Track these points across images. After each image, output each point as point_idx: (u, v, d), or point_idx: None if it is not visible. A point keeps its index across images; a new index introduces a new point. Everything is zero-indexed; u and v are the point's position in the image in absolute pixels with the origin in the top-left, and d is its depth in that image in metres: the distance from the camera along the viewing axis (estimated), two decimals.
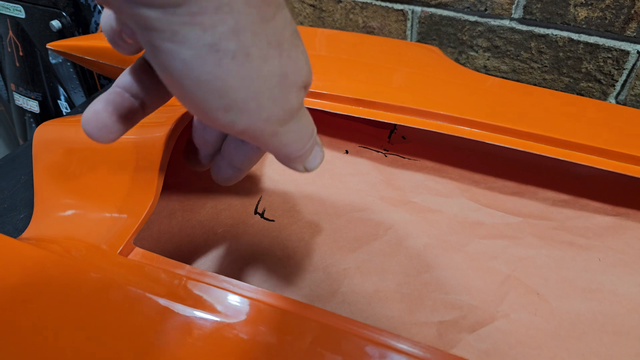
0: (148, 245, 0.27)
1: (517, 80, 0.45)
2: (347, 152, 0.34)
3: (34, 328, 0.19)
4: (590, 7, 0.38)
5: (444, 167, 0.33)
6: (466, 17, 0.43)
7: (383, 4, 0.47)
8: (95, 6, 0.59)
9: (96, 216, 0.25)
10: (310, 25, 0.53)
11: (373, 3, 0.47)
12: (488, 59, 0.45)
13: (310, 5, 0.51)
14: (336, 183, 0.31)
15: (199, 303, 0.19)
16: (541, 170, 0.32)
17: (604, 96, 0.42)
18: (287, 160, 0.18)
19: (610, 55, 0.39)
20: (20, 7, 0.59)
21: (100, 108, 0.17)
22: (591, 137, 0.28)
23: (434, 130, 0.29)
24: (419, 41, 0.48)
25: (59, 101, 0.64)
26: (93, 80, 0.63)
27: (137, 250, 0.22)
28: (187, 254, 0.22)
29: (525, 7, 0.40)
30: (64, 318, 0.19)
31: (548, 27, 0.40)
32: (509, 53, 0.44)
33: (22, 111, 0.67)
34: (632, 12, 0.36)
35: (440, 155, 0.34)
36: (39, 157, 0.30)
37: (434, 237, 0.28)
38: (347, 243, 0.27)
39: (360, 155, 0.34)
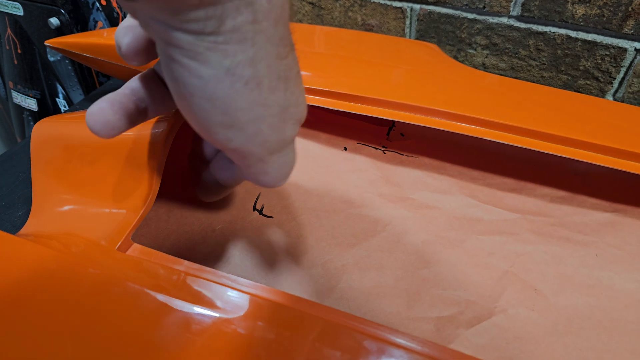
0: (146, 242, 0.27)
1: (516, 78, 0.45)
2: (345, 148, 0.34)
3: (32, 324, 0.19)
4: (587, 5, 0.38)
5: (442, 164, 0.33)
6: (465, 14, 0.43)
7: (382, 1, 0.47)
8: (93, 3, 0.59)
9: (95, 212, 0.25)
10: (309, 23, 0.53)
11: (372, 0, 0.47)
12: (486, 57, 0.45)
13: (309, 3, 0.51)
14: (335, 180, 0.31)
15: (198, 299, 0.19)
16: (539, 167, 0.32)
17: (601, 94, 0.42)
18: (257, 183, 0.19)
19: (607, 53, 0.39)
20: (18, 5, 0.59)
21: (106, 106, 0.18)
22: (589, 134, 0.28)
23: (433, 127, 0.29)
24: (417, 39, 0.48)
25: (57, 99, 0.64)
26: (91, 78, 0.62)
27: (136, 246, 0.22)
28: (185, 251, 0.22)
29: (523, 4, 0.40)
30: (63, 314, 0.19)
31: (546, 25, 0.41)
32: (507, 51, 0.44)
33: (20, 109, 0.67)
34: (630, 9, 0.36)
35: (439, 152, 0.34)
36: (37, 153, 0.30)
37: (432, 234, 0.28)
38: (346, 239, 0.27)
39: (359, 152, 0.34)
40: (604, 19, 0.38)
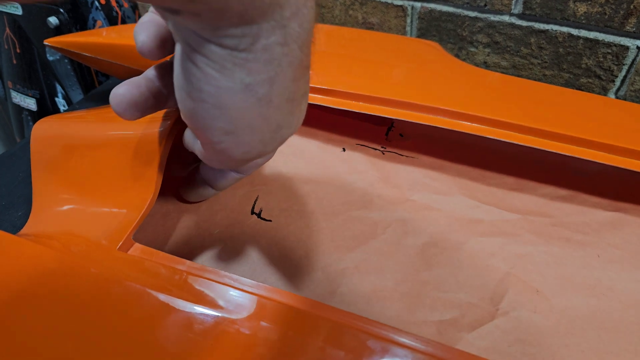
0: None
1: (518, 77, 0.45)
2: (344, 149, 0.34)
3: (34, 324, 0.19)
4: (589, 3, 0.37)
5: (442, 164, 0.33)
6: (466, 12, 0.43)
7: None
8: (92, 2, 0.59)
9: (95, 211, 0.25)
10: None
11: None
12: (488, 55, 0.45)
13: None
14: (333, 181, 0.31)
15: (200, 298, 0.19)
16: (540, 166, 0.32)
17: (603, 92, 0.42)
18: (221, 179, 0.22)
19: (609, 51, 0.39)
20: (17, 4, 0.58)
21: (132, 87, 0.19)
22: (590, 132, 0.28)
23: (433, 125, 0.29)
24: (418, 37, 0.47)
25: (56, 98, 0.64)
26: (91, 77, 0.62)
27: (137, 245, 0.22)
28: (183, 256, 0.22)
29: (524, 2, 0.40)
30: (64, 314, 0.19)
31: (548, 23, 0.40)
32: (508, 49, 0.44)
33: (19, 109, 0.67)
34: (632, 7, 0.36)
35: (439, 151, 0.34)
36: (37, 153, 0.30)
37: (432, 236, 0.28)
38: (345, 242, 0.27)
39: (358, 153, 0.34)
40: (606, 16, 0.38)
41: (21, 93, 0.65)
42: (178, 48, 0.16)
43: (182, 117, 0.18)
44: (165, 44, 0.19)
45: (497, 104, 0.30)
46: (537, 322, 0.23)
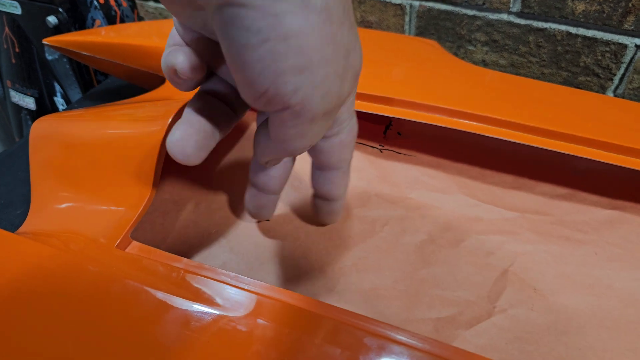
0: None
1: (516, 75, 0.45)
2: None
3: (32, 322, 0.19)
4: (587, 1, 0.37)
5: (440, 162, 0.33)
6: (464, 11, 0.43)
7: None
8: (91, 2, 0.58)
9: (93, 209, 0.25)
10: None
11: None
12: (486, 54, 0.45)
13: None
14: None
15: (198, 296, 0.19)
16: (539, 164, 0.32)
17: (602, 90, 0.42)
18: (283, 148, 0.18)
19: (608, 49, 0.39)
20: (16, 4, 0.58)
21: (185, 127, 0.18)
22: (589, 130, 0.28)
23: (431, 124, 0.29)
24: (417, 35, 0.47)
25: (55, 98, 0.64)
26: (89, 77, 0.62)
27: (135, 243, 0.22)
28: (181, 254, 0.22)
29: (523, 0, 0.40)
30: (62, 312, 0.19)
31: (546, 21, 0.40)
32: (507, 47, 0.44)
33: (18, 108, 0.67)
34: (630, 5, 0.36)
35: (437, 149, 0.34)
36: (35, 151, 0.30)
37: (430, 233, 0.28)
38: (343, 241, 0.27)
39: (356, 151, 0.34)
40: (604, 15, 0.38)
41: (20, 92, 0.65)
42: (215, 9, 0.14)
43: (246, 88, 0.16)
44: (204, 60, 0.18)
45: (495, 102, 0.30)
46: (534, 320, 0.23)
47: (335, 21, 0.15)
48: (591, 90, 0.42)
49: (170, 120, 0.25)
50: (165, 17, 0.63)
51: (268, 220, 0.28)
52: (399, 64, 0.36)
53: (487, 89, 0.33)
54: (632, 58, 0.39)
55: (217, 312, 0.19)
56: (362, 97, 0.31)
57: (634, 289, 0.25)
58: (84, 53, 0.40)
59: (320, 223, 0.28)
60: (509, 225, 0.28)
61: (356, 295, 0.24)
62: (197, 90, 0.20)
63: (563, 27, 0.40)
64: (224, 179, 0.31)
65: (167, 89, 0.36)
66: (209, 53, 0.18)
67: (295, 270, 0.26)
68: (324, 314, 0.19)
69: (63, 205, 0.26)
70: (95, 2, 0.58)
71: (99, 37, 0.40)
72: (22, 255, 0.21)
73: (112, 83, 0.52)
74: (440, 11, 0.44)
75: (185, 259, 0.21)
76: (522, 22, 0.41)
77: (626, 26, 0.37)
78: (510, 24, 0.42)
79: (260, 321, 0.18)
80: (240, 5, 0.13)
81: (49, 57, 0.60)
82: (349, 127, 0.21)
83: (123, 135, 0.28)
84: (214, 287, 0.20)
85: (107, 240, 0.22)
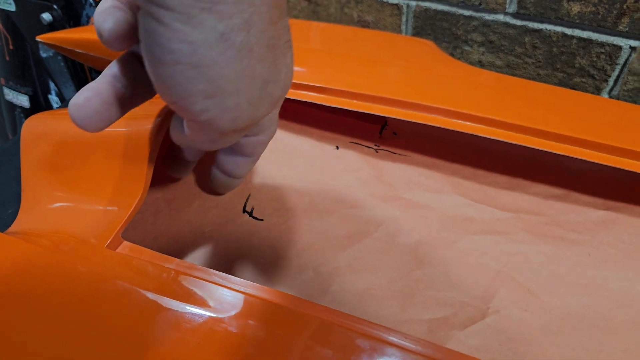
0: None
1: (511, 75, 0.45)
2: (337, 147, 0.34)
3: (21, 322, 0.18)
4: (583, 2, 0.38)
5: (435, 162, 0.33)
6: (461, 11, 0.43)
7: None
8: None
9: (85, 209, 0.25)
10: (305, 20, 0.52)
11: None
12: (483, 54, 0.45)
13: None
14: (327, 179, 0.31)
15: (189, 297, 0.19)
16: (533, 164, 0.32)
17: (597, 91, 0.42)
18: (196, 148, 0.19)
19: (603, 51, 0.39)
20: (10, 0, 0.58)
21: (92, 95, 0.17)
22: (584, 131, 0.28)
23: (426, 124, 0.29)
24: (414, 35, 0.47)
25: (49, 95, 0.64)
26: (84, 74, 0.62)
27: (126, 243, 0.22)
28: (174, 254, 0.21)
29: (519, 1, 0.40)
30: (51, 312, 0.19)
31: (542, 22, 0.40)
32: (503, 48, 0.44)
33: (12, 106, 0.67)
34: (624, 7, 0.36)
35: (432, 150, 0.34)
36: (27, 150, 0.30)
37: (425, 234, 0.28)
38: (338, 241, 0.27)
39: (351, 151, 0.34)
40: (599, 16, 0.38)
41: (14, 90, 0.65)
42: (141, 12, 0.14)
43: (158, 90, 0.16)
44: (135, 31, 0.17)
45: (490, 103, 0.30)
46: (528, 320, 0.23)
47: (255, 57, 0.14)
48: (586, 91, 0.43)
49: (162, 119, 0.25)
50: None
51: (262, 220, 0.28)
52: (395, 64, 0.36)
53: (482, 90, 0.33)
54: (627, 60, 0.39)
55: (208, 314, 0.18)
56: (357, 96, 0.31)
57: (627, 289, 0.25)
58: (78, 50, 0.40)
59: (213, 192, 0.28)
60: (502, 226, 0.28)
61: (351, 296, 0.24)
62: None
63: (559, 29, 0.40)
64: None
65: None
66: None
67: (288, 271, 0.25)
68: (315, 314, 0.19)
69: (54, 205, 0.26)
70: (90, 0, 0.58)
71: (94, 34, 0.40)
72: (11, 256, 0.21)
73: None
74: (436, 11, 0.44)
75: (177, 260, 0.21)
76: (518, 23, 0.41)
77: (621, 28, 0.37)
78: (506, 24, 0.42)
79: (251, 322, 0.18)
80: (158, 22, 0.13)
81: (44, 55, 0.60)
82: (269, 130, 0.22)
83: (115, 133, 0.27)
84: (206, 287, 0.19)
85: (97, 240, 0.22)
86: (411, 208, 0.29)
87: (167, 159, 0.27)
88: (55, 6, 0.56)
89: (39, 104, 0.64)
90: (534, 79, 0.44)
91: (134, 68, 0.18)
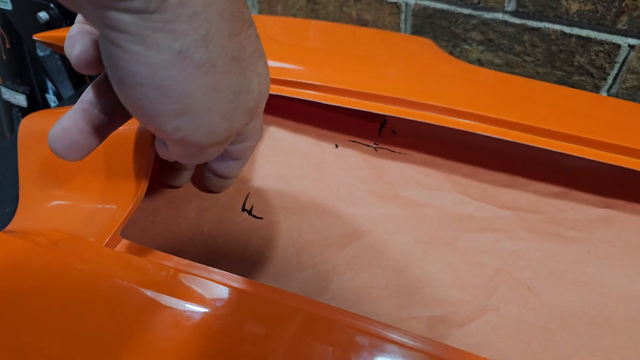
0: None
1: (511, 74, 0.45)
2: (336, 146, 0.34)
3: (19, 321, 0.18)
4: (582, 0, 0.38)
5: (434, 160, 0.33)
6: (459, 9, 0.43)
7: None
8: None
9: (83, 207, 0.25)
10: (304, 18, 0.52)
11: None
12: (482, 52, 0.45)
13: None
14: (326, 178, 0.31)
15: (187, 295, 0.19)
16: (532, 162, 0.32)
17: (596, 90, 0.42)
18: (183, 162, 0.19)
19: (602, 49, 0.39)
20: None
21: (69, 124, 0.17)
22: (582, 129, 0.28)
23: (426, 122, 0.29)
24: (413, 34, 0.47)
25: (47, 95, 0.63)
26: (81, 73, 0.62)
27: (124, 242, 0.22)
28: (172, 253, 0.21)
29: (518, 0, 0.40)
30: (50, 310, 0.19)
31: (541, 20, 0.40)
32: (502, 46, 0.44)
33: (9, 105, 0.66)
34: (623, 5, 0.36)
35: (431, 148, 0.34)
36: (24, 148, 0.30)
37: (424, 232, 0.28)
38: (337, 240, 0.27)
39: (350, 149, 0.34)
40: (598, 14, 0.38)
41: (11, 89, 0.65)
42: (100, 36, 0.14)
43: (130, 112, 0.16)
44: (100, 62, 0.17)
45: (489, 101, 0.30)
46: (527, 318, 0.23)
47: (220, 71, 0.14)
48: (585, 89, 0.43)
49: None
50: None
51: (261, 218, 0.28)
52: (394, 63, 0.36)
53: (481, 88, 0.33)
54: (626, 58, 0.39)
55: (207, 311, 0.18)
56: (356, 95, 0.31)
57: (626, 287, 0.25)
58: None
59: (209, 190, 0.29)
60: (501, 223, 0.28)
61: (350, 294, 0.24)
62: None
63: (557, 27, 0.40)
64: None
65: None
66: None
67: (288, 269, 0.25)
68: (314, 312, 0.19)
69: (52, 204, 0.26)
70: None
71: None
72: (10, 255, 0.21)
73: None
74: (435, 10, 0.44)
75: (175, 257, 0.21)
76: (517, 21, 0.41)
77: (620, 26, 0.37)
78: (506, 23, 0.42)
79: (251, 320, 0.18)
80: (116, 45, 0.13)
81: (41, 54, 0.59)
82: (254, 136, 0.22)
83: (113, 132, 0.27)
84: (204, 285, 0.19)
85: (96, 239, 0.22)
86: (410, 206, 0.29)
87: (165, 170, 0.27)
88: (51, 5, 0.56)
89: (37, 103, 0.64)
90: (533, 77, 0.44)
91: (109, 91, 0.18)
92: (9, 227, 0.26)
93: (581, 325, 0.23)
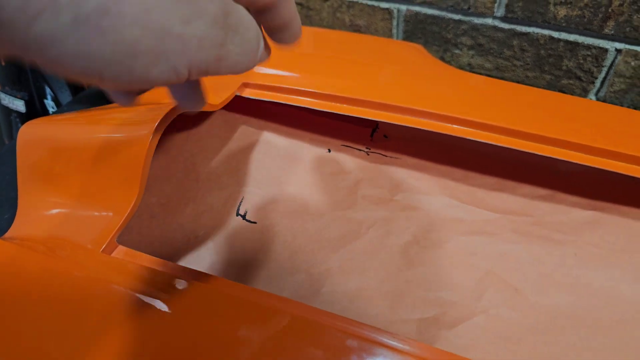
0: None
1: (501, 78, 0.46)
2: (329, 150, 0.34)
3: (17, 326, 0.19)
4: (569, 6, 0.38)
5: (425, 164, 0.33)
6: (450, 15, 0.44)
7: (369, 2, 0.47)
8: None
9: (80, 214, 0.25)
10: None
11: (359, 2, 0.47)
12: (472, 57, 0.46)
13: (298, 4, 0.51)
14: (319, 182, 0.31)
15: (182, 300, 0.19)
16: (521, 165, 0.33)
17: (584, 93, 0.43)
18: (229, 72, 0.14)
19: (589, 53, 0.40)
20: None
21: None
22: (570, 133, 0.28)
23: (416, 127, 0.30)
24: (405, 39, 0.48)
25: (45, 100, 0.64)
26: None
27: (121, 248, 0.22)
28: (168, 258, 0.22)
29: (507, 5, 0.41)
30: (48, 316, 0.19)
31: (530, 26, 0.41)
32: (492, 51, 0.44)
33: (8, 111, 0.67)
34: (610, 10, 0.37)
35: (422, 152, 0.34)
36: (23, 156, 0.30)
37: (414, 235, 0.28)
38: (330, 243, 0.27)
39: (343, 154, 0.34)
40: (585, 20, 0.38)
41: (10, 95, 0.65)
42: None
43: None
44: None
45: (478, 106, 0.31)
46: (516, 320, 0.24)
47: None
48: (574, 93, 0.43)
49: (156, 124, 0.26)
50: None
51: (255, 222, 0.29)
52: (385, 68, 0.36)
53: (470, 93, 0.33)
54: (613, 62, 0.39)
55: (202, 317, 0.19)
56: (349, 101, 0.31)
57: (612, 288, 0.25)
58: None
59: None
60: (491, 227, 0.29)
61: (342, 297, 0.25)
62: None
63: (546, 32, 0.41)
64: (212, 182, 0.31)
65: (155, 92, 0.36)
66: None
67: (281, 272, 0.26)
68: (307, 316, 0.19)
69: (50, 211, 0.26)
70: None
71: None
72: (8, 261, 0.21)
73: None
74: (427, 15, 0.45)
75: (170, 263, 0.21)
76: (506, 26, 0.42)
77: (606, 31, 0.38)
78: (495, 28, 0.43)
79: (245, 324, 0.19)
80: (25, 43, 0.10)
81: None
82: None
83: (109, 140, 0.28)
84: (199, 291, 0.20)
85: (93, 245, 0.22)
86: (401, 210, 0.30)
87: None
88: None
89: (35, 109, 0.64)
90: (522, 81, 0.45)
91: None
92: (8, 234, 0.26)
93: (568, 326, 0.24)
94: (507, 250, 0.27)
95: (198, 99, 0.18)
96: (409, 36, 0.47)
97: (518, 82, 0.45)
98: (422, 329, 0.23)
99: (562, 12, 0.39)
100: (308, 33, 0.43)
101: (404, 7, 0.45)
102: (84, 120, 0.31)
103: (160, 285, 0.20)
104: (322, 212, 0.29)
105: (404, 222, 0.29)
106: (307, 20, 0.52)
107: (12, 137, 0.70)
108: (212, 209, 0.29)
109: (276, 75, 0.34)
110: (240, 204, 0.29)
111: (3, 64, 0.63)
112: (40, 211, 0.27)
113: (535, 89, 0.34)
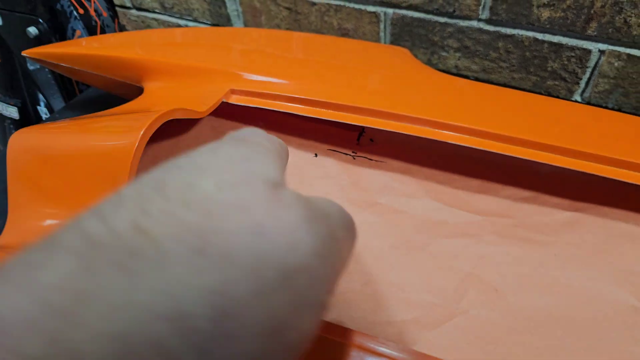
0: None
1: (487, 80, 0.46)
2: (316, 155, 0.35)
3: None
4: (552, 8, 0.39)
5: (410, 168, 0.34)
6: (436, 18, 0.44)
7: (356, 6, 0.47)
8: (71, 12, 0.59)
9: None
10: (287, 28, 0.53)
11: (346, 5, 0.48)
12: (459, 59, 0.46)
13: (286, 8, 0.51)
14: (305, 187, 0.32)
15: None
16: (505, 168, 0.33)
17: (569, 94, 0.43)
18: None
19: (573, 54, 0.40)
20: None
21: None
22: (552, 136, 0.29)
23: (401, 132, 0.30)
24: (392, 42, 0.48)
25: (38, 107, 0.64)
26: (72, 86, 0.63)
27: None
28: None
29: (491, 8, 0.41)
30: None
31: (514, 28, 0.41)
32: (478, 53, 0.45)
33: (1, 118, 0.67)
34: (592, 12, 0.37)
35: (407, 156, 0.35)
36: (13, 164, 0.31)
37: (398, 238, 0.29)
38: None
39: (330, 158, 0.35)
40: (568, 21, 0.39)
41: (3, 102, 0.66)
42: None
43: None
44: None
45: (463, 111, 0.31)
46: (495, 320, 0.25)
47: None
48: (559, 93, 0.44)
49: (142, 132, 0.26)
50: (148, 26, 0.63)
51: None
52: (371, 72, 0.37)
53: (454, 98, 0.34)
54: (597, 63, 0.40)
55: None
56: (335, 107, 0.32)
57: (589, 288, 0.26)
58: (63, 64, 0.41)
59: None
60: (473, 229, 0.29)
61: None
62: None
63: (530, 34, 0.41)
64: None
65: (145, 99, 0.36)
66: None
67: None
68: None
69: (40, 221, 0.27)
70: (75, 13, 0.59)
71: (79, 48, 0.41)
72: None
73: (94, 92, 0.53)
74: (413, 19, 0.45)
75: None
76: (491, 28, 0.42)
77: (589, 32, 0.39)
78: (480, 30, 0.43)
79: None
80: None
81: (31, 67, 0.60)
82: None
83: (99, 147, 0.28)
84: None
85: None
86: (386, 213, 0.30)
87: None
88: (40, 20, 0.56)
89: (28, 115, 0.65)
90: (509, 83, 0.45)
91: None
92: None
93: (546, 326, 0.24)
94: (488, 252, 0.28)
95: None
96: (396, 39, 0.48)
97: (504, 83, 0.46)
98: (403, 331, 0.24)
99: (545, 13, 0.39)
100: (294, 38, 0.43)
101: (390, 11, 0.46)
102: (73, 128, 0.32)
103: None
104: None
105: (388, 225, 0.29)
106: (296, 24, 0.52)
107: (6, 144, 0.70)
108: None
109: (263, 82, 0.34)
110: None
111: None
112: (30, 221, 0.27)
113: (519, 92, 0.34)
